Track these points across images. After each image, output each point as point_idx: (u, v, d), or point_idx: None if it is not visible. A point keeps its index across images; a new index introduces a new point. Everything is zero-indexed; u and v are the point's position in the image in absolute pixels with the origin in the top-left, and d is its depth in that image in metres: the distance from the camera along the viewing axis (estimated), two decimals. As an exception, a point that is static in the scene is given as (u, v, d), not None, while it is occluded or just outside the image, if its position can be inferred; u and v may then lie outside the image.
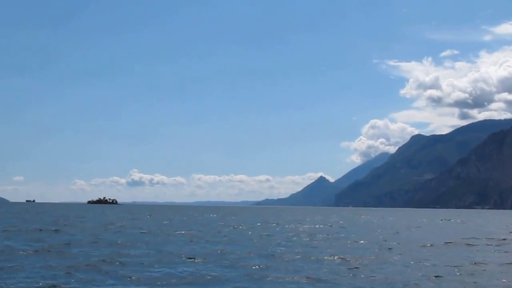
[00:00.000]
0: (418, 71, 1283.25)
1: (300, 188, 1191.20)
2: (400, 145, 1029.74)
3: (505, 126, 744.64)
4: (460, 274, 26.49)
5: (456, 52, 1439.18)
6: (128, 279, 24.00)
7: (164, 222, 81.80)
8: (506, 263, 30.65)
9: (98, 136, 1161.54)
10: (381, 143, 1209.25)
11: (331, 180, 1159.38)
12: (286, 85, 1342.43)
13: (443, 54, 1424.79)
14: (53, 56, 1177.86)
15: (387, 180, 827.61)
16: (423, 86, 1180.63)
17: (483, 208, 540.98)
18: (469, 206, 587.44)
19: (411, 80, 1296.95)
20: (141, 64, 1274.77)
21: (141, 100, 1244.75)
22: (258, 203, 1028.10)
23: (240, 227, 72.13)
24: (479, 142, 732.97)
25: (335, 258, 32.50)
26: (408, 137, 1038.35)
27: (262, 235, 55.08)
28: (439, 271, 27.05)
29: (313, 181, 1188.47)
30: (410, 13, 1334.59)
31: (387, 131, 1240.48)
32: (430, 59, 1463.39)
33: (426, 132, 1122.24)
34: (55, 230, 55.02)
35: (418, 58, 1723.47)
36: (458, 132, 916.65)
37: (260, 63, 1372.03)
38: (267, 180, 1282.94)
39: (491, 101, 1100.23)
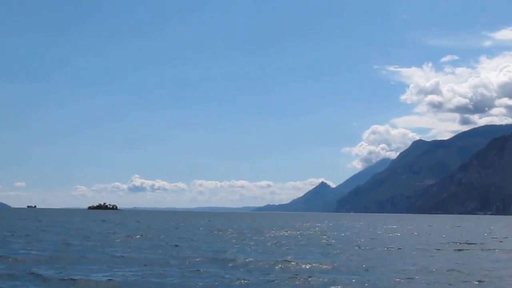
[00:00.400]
0: (419, 76, 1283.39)
1: (301, 194, 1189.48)
2: (401, 150, 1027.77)
3: (506, 131, 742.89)
4: (395, 280, 26.23)
5: (456, 57, 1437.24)
6: (47, 283, 24.08)
7: (150, 229, 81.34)
8: (449, 269, 30.34)
9: (100, 142, 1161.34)
10: (382, 148, 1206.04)
11: (333, 185, 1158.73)
12: (287, 91, 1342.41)
13: (443, 59, 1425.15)
14: (54, 62, 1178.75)
15: (389, 185, 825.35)
16: (423, 92, 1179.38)
17: (485, 214, 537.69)
18: (471, 212, 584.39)
19: (411, 85, 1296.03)
20: (142, 70, 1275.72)
21: (142, 106, 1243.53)
22: (259, 208, 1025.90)
23: (220, 232, 71.89)
24: (481, 148, 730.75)
25: (283, 263, 32.31)
26: (409, 143, 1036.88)
27: (234, 240, 54.88)
28: (373, 278, 26.88)
29: (314, 186, 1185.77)
30: (410, 19, 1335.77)
31: (388, 137, 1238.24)
32: (430, 64, 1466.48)
33: (427, 137, 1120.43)
34: (26, 235, 54.99)
35: (419, 64, 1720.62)
36: (459, 137, 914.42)
37: (261, 69, 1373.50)
38: (269, 185, 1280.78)
39: (491, 106, 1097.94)
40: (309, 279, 25.64)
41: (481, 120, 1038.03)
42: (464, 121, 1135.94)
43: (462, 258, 38.58)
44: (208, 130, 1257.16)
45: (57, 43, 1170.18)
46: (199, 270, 28.05)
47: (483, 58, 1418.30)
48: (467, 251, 45.25)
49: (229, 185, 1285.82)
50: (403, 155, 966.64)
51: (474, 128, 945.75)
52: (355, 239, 60.13)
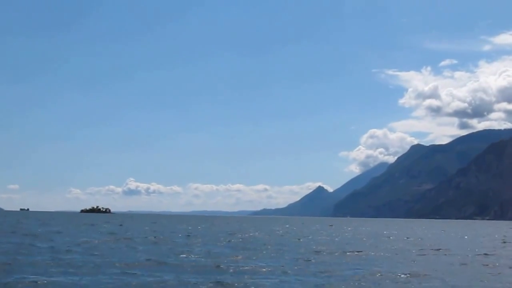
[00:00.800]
0: (417, 80, 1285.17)
1: (298, 198, 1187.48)
2: (399, 155, 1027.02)
3: (505, 136, 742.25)
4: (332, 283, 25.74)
5: (455, 61, 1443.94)
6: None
7: (124, 232, 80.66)
8: (402, 273, 29.93)
9: (94, 144, 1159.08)
10: (380, 152, 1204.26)
11: (330, 190, 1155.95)
12: (284, 94, 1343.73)
13: (442, 63, 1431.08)
14: (48, 63, 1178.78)
15: (386, 190, 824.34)
16: (422, 96, 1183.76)
17: (483, 219, 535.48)
18: (469, 217, 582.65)
19: (410, 89, 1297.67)
20: (138, 72, 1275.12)
21: (137, 108, 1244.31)
22: (255, 212, 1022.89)
23: (192, 235, 71.54)
24: (479, 152, 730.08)
25: (226, 266, 32.03)
26: (407, 147, 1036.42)
27: (199, 243, 54.42)
28: (303, 280, 26.34)
29: (311, 190, 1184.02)
30: (410, 23, 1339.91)
31: (386, 141, 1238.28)
32: (429, 68, 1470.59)
33: (426, 141, 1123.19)
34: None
35: (417, 68, 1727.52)
36: (458, 142, 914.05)
37: (259, 72, 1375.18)
38: (265, 189, 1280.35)
39: (490, 110, 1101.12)
40: (234, 282, 25.11)
41: (479, 125, 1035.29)
42: (463, 126, 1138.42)
43: (414, 262, 38.06)
44: (204, 133, 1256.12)
45: (51, 43, 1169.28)
46: (126, 273, 27.64)
47: (482, 63, 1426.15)
48: (429, 256, 44.65)
49: (225, 189, 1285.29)
50: (401, 159, 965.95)
51: (472, 133, 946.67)
52: (324, 243, 59.53)
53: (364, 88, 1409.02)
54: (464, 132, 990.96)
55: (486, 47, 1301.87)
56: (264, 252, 44.43)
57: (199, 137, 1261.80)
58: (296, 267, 32.57)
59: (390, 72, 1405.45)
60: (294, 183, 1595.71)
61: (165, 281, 25.32)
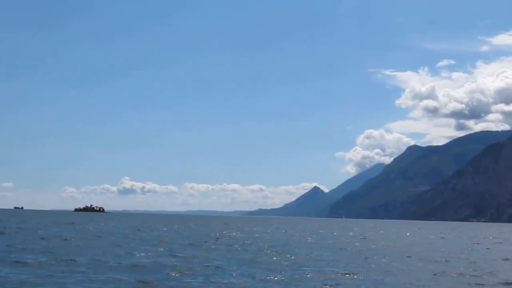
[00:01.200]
0: (414, 81, 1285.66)
1: (294, 198, 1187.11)
2: (396, 155, 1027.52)
3: (502, 138, 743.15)
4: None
5: (452, 62, 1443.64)
6: None
7: (100, 231, 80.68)
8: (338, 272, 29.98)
9: (89, 143, 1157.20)
10: (376, 153, 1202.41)
11: (326, 190, 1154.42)
12: (281, 94, 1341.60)
13: (440, 64, 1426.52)
14: (42, 60, 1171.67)
15: (382, 191, 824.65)
16: (419, 96, 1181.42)
17: (479, 221, 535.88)
18: (465, 219, 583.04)
19: (407, 90, 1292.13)
20: (133, 71, 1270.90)
21: (133, 107, 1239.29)
22: (250, 213, 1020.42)
23: (166, 235, 71.63)
24: (476, 154, 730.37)
25: (157, 264, 32.13)
26: (403, 148, 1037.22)
27: (164, 244, 54.45)
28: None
29: (307, 191, 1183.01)
30: (407, 23, 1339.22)
31: (382, 142, 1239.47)
32: (426, 69, 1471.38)
33: (422, 143, 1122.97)
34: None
35: (414, 68, 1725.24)
36: (455, 143, 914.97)
37: (255, 72, 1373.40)
38: (261, 189, 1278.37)
39: (488, 112, 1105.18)
40: (157, 281, 25.20)
41: (476, 126, 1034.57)
42: (460, 127, 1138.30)
43: (365, 263, 38.13)
44: (200, 132, 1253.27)
45: (45, 41, 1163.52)
46: (60, 271, 27.64)
47: (480, 63, 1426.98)
48: (391, 259, 44.54)
49: (221, 189, 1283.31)
50: (398, 160, 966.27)
51: (469, 134, 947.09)
52: (293, 243, 59.60)
53: (361, 88, 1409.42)
54: (461, 134, 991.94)
55: (484, 48, 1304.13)
56: (223, 252, 44.45)
57: (195, 136, 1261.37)
58: (236, 267, 32.52)
59: (387, 72, 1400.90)
60: (289, 183, 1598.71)
61: (90, 280, 25.22)
